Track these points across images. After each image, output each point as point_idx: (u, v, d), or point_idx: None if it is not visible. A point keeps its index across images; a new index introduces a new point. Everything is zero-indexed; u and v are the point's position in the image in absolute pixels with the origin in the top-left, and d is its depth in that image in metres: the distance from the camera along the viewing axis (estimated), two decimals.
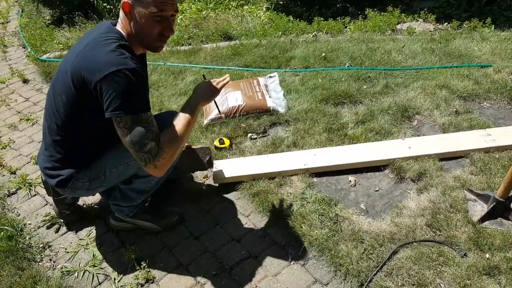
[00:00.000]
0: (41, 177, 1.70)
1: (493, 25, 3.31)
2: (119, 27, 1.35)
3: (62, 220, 1.80)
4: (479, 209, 1.59)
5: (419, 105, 2.32)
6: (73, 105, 1.31)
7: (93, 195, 1.75)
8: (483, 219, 1.54)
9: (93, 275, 1.56)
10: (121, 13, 1.32)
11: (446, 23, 3.55)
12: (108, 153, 1.40)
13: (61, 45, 3.70)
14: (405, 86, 2.53)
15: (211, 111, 2.37)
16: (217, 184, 1.94)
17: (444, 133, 2.10)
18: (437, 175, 1.81)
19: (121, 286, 1.51)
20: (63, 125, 1.37)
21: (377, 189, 1.83)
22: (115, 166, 1.42)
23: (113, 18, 4.16)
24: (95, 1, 4.19)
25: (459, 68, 2.68)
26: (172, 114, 1.59)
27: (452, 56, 2.84)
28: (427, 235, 1.55)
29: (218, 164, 1.98)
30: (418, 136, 2.12)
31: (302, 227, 1.64)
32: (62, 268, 1.60)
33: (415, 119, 2.27)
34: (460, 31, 3.30)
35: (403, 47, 3.03)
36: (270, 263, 1.55)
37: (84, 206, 1.86)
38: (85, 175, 1.42)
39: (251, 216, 1.77)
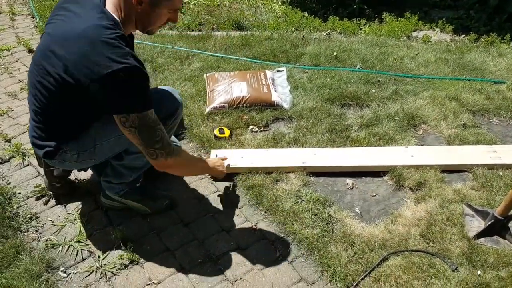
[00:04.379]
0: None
1: None
2: (110, 9, 1.24)
3: (52, 193, 1.77)
4: (476, 224, 1.55)
5: (427, 115, 2.27)
6: (63, 86, 1.23)
7: (85, 170, 1.72)
8: (479, 235, 1.50)
9: (77, 251, 1.54)
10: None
11: (464, 35, 3.48)
12: (98, 125, 1.35)
13: None
14: (414, 94, 2.48)
15: (214, 99, 2.33)
16: None
17: (449, 145, 2.06)
18: (437, 186, 1.77)
19: (104, 264, 1.49)
20: (49, 97, 1.28)
21: (374, 194, 1.79)
22: (105, 139, 1.38)
23: None
24: None
25: (472, 81, 2.62)
26: (171, 93, 1.56)
27: (466, 69, 2.78)
28: (420, 245, 1.51)
29: (215, 154, 1.95)
30: (422, 145, 2.07)
31: (293, 225, 1.61)
32: (47, 240, 1.58)
33: (421, 128, 2.22)
34: (477, 44, 3.23)
35: (416, 54, 2.97)
36: (258, 257, 1.52)
37: (76, 180, 1.84)
38: (73, 147, 1.38)
39: (243, 209, 1.73)
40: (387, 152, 1.97)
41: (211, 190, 1.83)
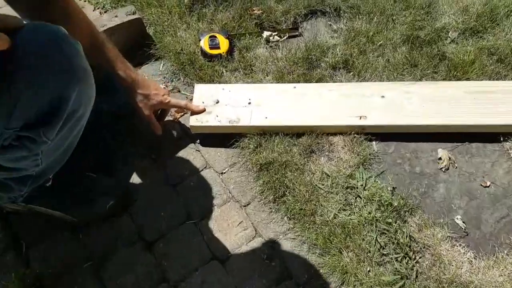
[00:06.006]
0: None
1: None
2: None
3: None
4: None
5: None
6: None
7: None
8: None
9: None
10: None
11: None
12: None
13: None
14: None
15: None
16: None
17: None
18: None
19: None
20: None
21: (487, 183, 1.00)
22: None
23: None
24: None
25: None
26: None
27: None
28: None
29: (200, 91, 1.05)
30: None
31: (342, 254, 0.88)
32: None
33: None
34: None
35: None
36: None
37: None
38: None
39: (250, 208, 0.97)
40: None
41: (193, 167, 1.03)
